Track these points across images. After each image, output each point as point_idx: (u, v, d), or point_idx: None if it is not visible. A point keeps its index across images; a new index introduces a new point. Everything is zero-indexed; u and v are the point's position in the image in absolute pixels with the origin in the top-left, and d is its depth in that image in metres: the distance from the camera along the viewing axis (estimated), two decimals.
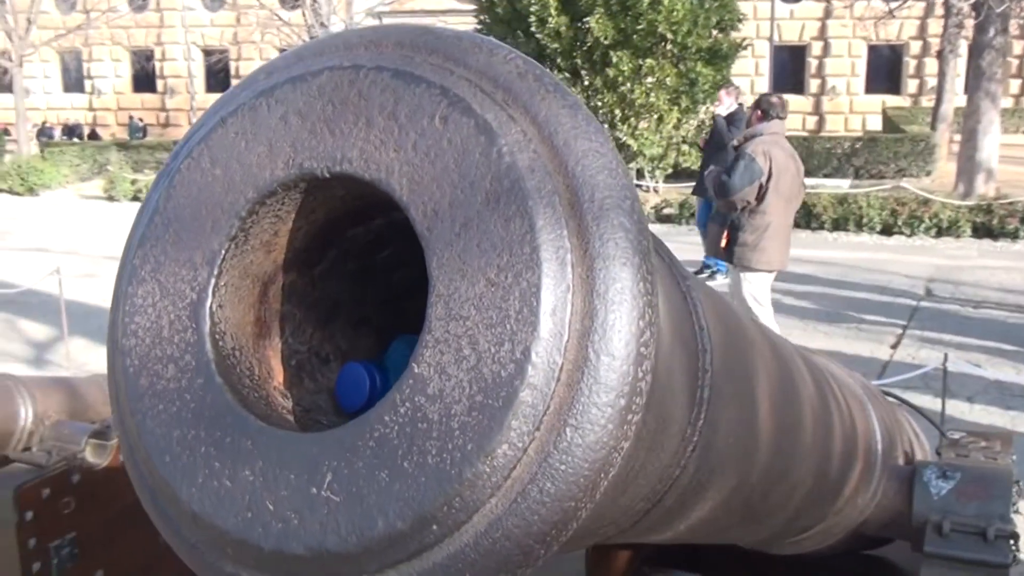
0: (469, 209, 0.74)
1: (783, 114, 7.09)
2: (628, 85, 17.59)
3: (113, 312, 0.86)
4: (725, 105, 10.92)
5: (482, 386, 0.70)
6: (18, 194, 22.25)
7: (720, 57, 18.03)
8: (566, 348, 0.70)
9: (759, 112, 7.03)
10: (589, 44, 17.77)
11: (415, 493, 0.70)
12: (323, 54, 0.83)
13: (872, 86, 30.73)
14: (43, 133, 32.08)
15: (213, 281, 0.82)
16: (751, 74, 28.30)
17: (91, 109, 38.73)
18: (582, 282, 0.72)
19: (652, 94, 17.56)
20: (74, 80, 38.23)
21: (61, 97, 38.45)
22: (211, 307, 0.82)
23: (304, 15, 25.58)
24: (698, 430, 0.93)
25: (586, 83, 18.32)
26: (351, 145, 0.78)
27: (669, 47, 17.57)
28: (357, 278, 0.97)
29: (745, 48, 19.06)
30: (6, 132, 29.75)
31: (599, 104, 17.96)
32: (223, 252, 0.82)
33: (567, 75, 18.14)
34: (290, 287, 0.90)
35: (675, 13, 16.96)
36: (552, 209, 0.72)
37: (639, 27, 17.26)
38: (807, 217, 15.27)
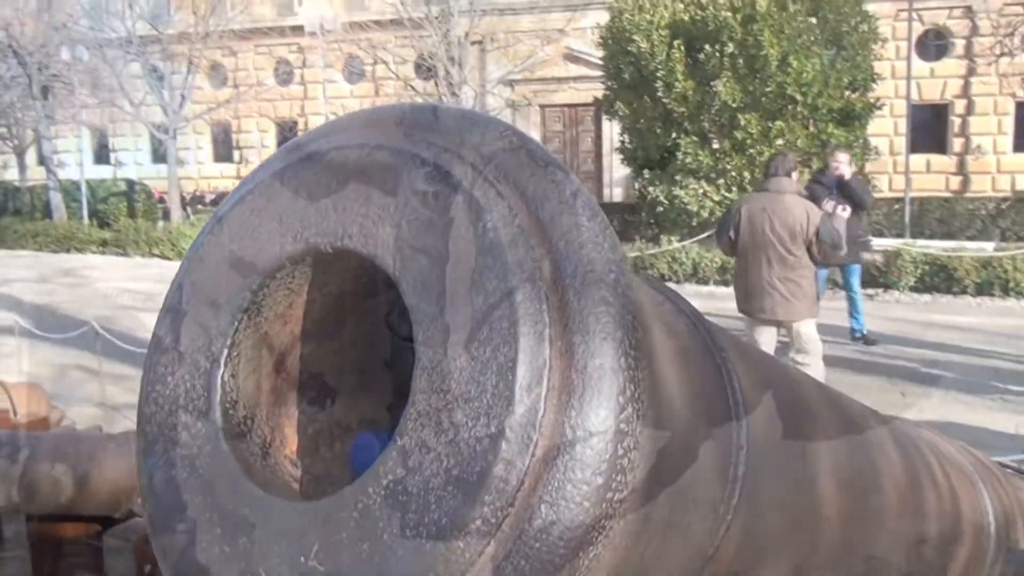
0: (454, 283, 0.75)
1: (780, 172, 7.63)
2: (757, 147, 17.40)
3: (141, 380, 0.90)
4: (844, 168, 10.46)
5: (458, 460, 0.71)
6: (169, 259, 23.44)
7: (853, 118, 17.65)
8: (541, 423, 0.70)
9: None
10: (717, 107, 17.68)
11: (393, 566, 0.71)
12: (331, 135, 0.87)
13: (1021, 144, 29.56)
14: (196, 201, 33.76)
15: (226, 351, 0.85)
16: (889, 134, 27.59)
17: (239, 177, 40.60)
18: (560, 357, 0.71)
19: None
20: (224, 150, 40.24)
21: (212, 167, 40.51)
22: (223, 376, 0.85)
23: (436, 84, 26.34)
24: (731, 508, 0.90)
25: (714, 146, 18.20)
26: (352, 221, 0.81)
27: (799, 109, 17.33)
28: (382, 347, 0.99)
29: (880, 108, 18.62)
30: (161, 200, 31.44)
31: (727, 167, 17.80)
32: (236, 323, 0.85)
33: (695, 138, 18.08)
34: (309, 357, 0.93)
35: (805, 75, 16.69)
36: (532, 283, 0.73)
37: (767, 89, 17.10)
38: (948, 281, 14.68)
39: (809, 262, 7.40)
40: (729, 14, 17.12)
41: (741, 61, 17.09)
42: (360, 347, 0.98)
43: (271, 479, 0.84)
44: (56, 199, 29.70)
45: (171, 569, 0.83)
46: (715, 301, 11.05)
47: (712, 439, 0.88)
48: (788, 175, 7.59)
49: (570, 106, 31.10)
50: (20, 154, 33.85)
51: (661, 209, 18.49)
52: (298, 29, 34.70)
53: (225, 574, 0.78)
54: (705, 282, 15.87)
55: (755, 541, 0.95)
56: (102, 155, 38.19)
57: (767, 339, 7.61)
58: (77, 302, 15.71)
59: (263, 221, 0.86)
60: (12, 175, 35.43)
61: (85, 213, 29.44)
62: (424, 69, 28.52)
